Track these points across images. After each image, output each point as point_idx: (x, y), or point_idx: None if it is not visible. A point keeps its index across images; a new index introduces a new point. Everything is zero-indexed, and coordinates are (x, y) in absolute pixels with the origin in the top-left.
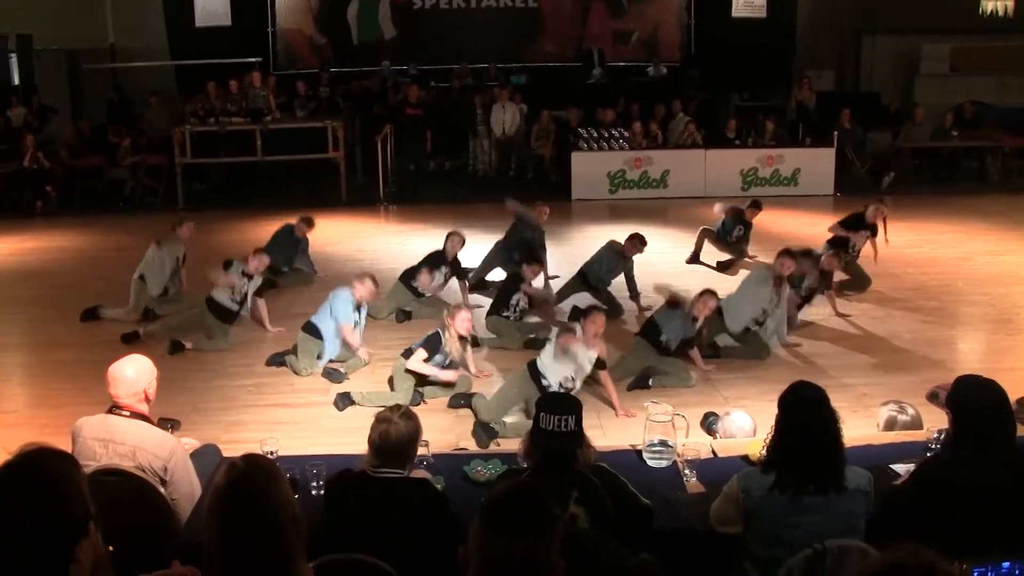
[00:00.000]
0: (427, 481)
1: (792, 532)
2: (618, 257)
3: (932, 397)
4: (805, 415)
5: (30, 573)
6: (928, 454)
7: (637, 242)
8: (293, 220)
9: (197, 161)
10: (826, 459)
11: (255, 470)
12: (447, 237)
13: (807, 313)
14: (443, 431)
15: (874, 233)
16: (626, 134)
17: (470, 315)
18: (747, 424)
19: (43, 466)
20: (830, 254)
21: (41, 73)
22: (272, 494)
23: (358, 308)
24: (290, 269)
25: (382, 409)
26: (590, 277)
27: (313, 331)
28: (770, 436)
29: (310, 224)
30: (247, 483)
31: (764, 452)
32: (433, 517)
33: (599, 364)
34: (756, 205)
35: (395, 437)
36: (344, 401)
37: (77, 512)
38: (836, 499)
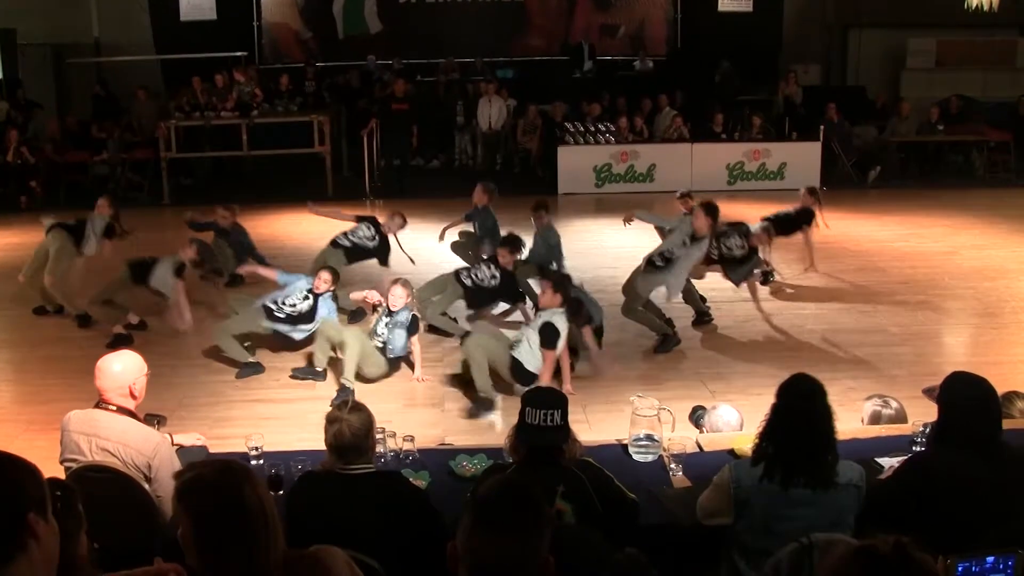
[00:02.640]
0: (399, 474)
1: (783, 524)
2: (537, 238)
3: (928, 391)
4: (797, 407)
5: None
6: (914, 448)
7: (543, 212)
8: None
9: (183, 156)
10: (815, 454)
11: (232, 466)
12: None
13: (802, 310)
14: (429, 426)
15: (808, 221)
16: (612, 128)
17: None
18: (733, 418)
19: None
20: (761, 228)
21: (26, 68)
22: (247, 489)
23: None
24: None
25: (330, 409)
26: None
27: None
28: (762, 425)
29: (232, 211)
30: (222, 478)
31: (755, 441)
32: (411, 509)
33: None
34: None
35: (350, 434)
36: (343, 393)
37: (29, 487)
38: (826, 493)
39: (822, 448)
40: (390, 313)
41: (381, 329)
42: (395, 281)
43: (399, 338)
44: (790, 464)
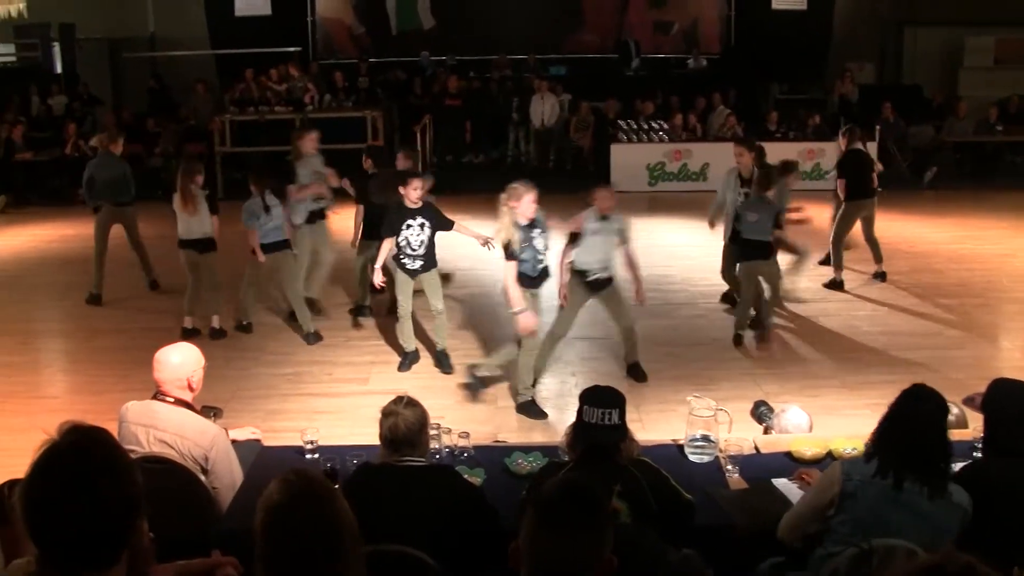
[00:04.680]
0: (453, 469)
1: (882, 526)
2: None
3: (968, 401)
4: (910, 408)
5: (96, 549)
6: (975, 454)
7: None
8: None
9: (237, 150)
10: (926, 452)
11: (316, 486)
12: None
13: (857, 311)
14: (481, 423)
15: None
16: (665, 126)
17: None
18: (803, 421)
19: (100, 444)
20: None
21: (83, 62)
22: (331, 509)
23: None
24: None
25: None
26: None
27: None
28: (876, 427)
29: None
30: (307, 498)
31: (869, 440)
32: (466, 506)
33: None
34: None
35: (404, 428)
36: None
37: (138, 490)
38: (937, 506)
39: (933, 448)
40: (530, 225)
41: (540, 244)
42: (521, 184)
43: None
44: (901, 460)
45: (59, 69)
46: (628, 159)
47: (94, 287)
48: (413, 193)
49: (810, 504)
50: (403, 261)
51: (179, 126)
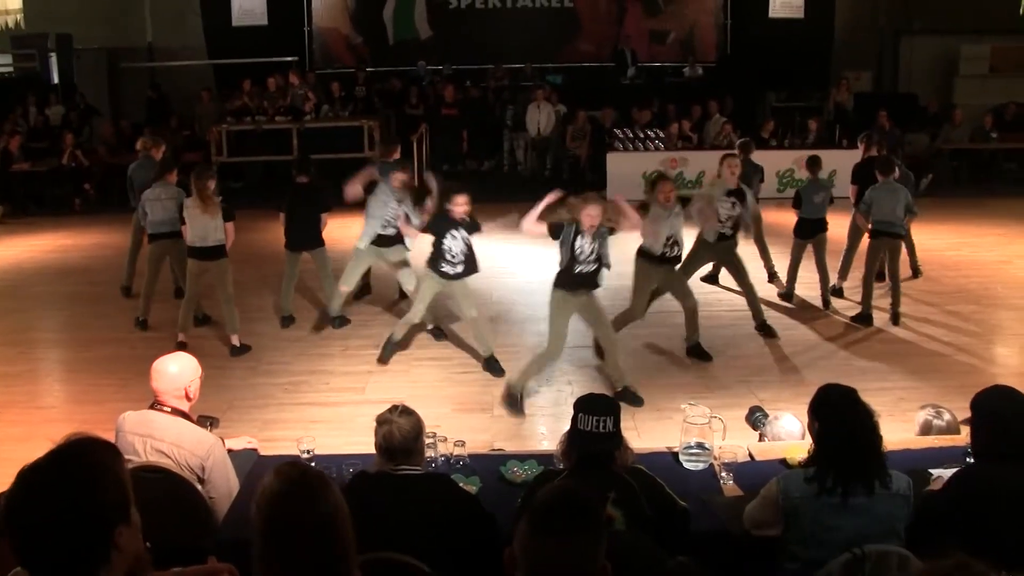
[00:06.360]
0: (449, 477)
1: (832, 534)
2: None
3: (967, 422)
4: (839, 416)
5: (69, 558)
6: (968, 459)
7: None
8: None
9: (234, 160)
10: (867, 456)
11: (310, 474)
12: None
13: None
14: (478, 431)
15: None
16: (662, 135)
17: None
18: (796, 428)
19: (81, 454)
20: None
21: (80, 72)
22: (327, 498)
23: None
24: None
25: (381, 412)
26: None
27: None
28: (811, 445)
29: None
30: (303, 488)
31: (805, 458)
32: (462, 513)
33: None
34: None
35: (399, 436)
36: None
37: (114, 498)
38: (877, 500)
39: (872, 449)
40: (588, 232)
41: (588, 246)
42: (588, 200)
43: (607, 250)
44: (845, 472)
45: (56, 79)
46: (624, 167)
47: (124, 280)
48: (458, 209)
49: (756, 516)
50: (442, 267)
51: (176, 135)
